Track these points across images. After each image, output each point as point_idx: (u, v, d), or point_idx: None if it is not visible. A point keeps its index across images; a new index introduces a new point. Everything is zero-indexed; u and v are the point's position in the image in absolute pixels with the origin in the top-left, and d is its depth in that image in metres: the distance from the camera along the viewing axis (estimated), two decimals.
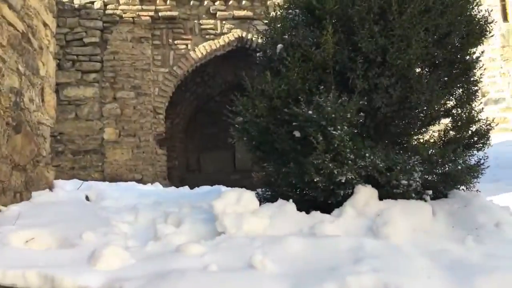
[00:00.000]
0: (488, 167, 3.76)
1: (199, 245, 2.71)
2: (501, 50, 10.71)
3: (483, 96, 10.56)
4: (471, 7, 3.64)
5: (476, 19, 3.65)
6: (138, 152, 8.22)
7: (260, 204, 3.36)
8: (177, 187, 6.70)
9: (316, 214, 3.08)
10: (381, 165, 3.17)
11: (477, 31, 3.70)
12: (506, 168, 8.08)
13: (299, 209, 3.24)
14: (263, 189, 3.96)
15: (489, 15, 3.80)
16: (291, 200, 3.26)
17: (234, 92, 3.77)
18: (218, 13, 8.58)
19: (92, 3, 8.35)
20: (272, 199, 3.57)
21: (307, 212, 3.19)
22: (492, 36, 3.84)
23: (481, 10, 3.86)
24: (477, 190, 3.61)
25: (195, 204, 3.75)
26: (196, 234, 3.04)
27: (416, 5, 3.26)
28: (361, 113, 3.35)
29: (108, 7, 8.38)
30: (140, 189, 5.70)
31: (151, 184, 6.98)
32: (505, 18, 10.87)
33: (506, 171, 8.03)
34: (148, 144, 8.28)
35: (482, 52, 3.85)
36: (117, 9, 8.38)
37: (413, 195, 3.28)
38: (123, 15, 8.36)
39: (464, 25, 3.56)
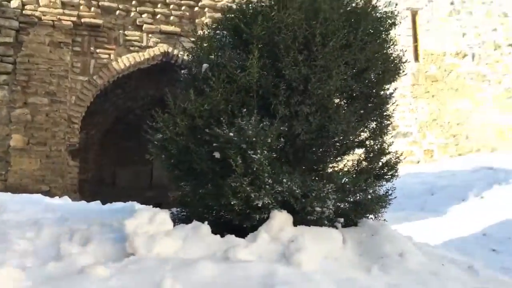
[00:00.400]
0: (395, 197, 3.96)
1: (106, 267, 2.56)
2: (411, 88, 11.53)
3: (394, 129, 11.26)
4: (387, 46, 3.86)
5: (392, 58, 3.88)
6: (48, 162, 7.71)
7: (174, 225, 3.27)
8: (89, 201, 6.35)
9: (231, 238, 3.05)
10: (297, 191, 3.22)
11: (392, 69, 3.93)
12: (410, 198, 8.63)
13: (214, 231, 3.19)
14: (178, 209, 3.86)
15: (403, 55, 4.06)
16: (206, 222, 3.20)
17: (155, 107, 3.67)
18: (145, 25, 8.40)
19: (9, 1, 7.83)
20: (187, 220, 3.49)
21: (222, 235, 3.15)
22: (405, 74, 4.10)
23: (397, 50, 4.12)
24: (384, 219, 3.78)
25: (106, 222, 3.57)
26: (103, 254, 2.88)
27: (338, 39, 3.40)
28: (281, 139, 3.39)
29: (26, 7, 7.89)
30: (47, 202, 5.33)
31: (60, 197, 6.56)
32: (416, 58, 11.76)
33: (411, 201, 8.57)
34: (60, 154, 7.81)
35: (395, 89, 4.09)
36: (36, 11, 7.91)
37: (326, 222, 3.37)
38: (43, 17, 7.91)
39: (381, 62, 3.77)
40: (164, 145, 3.63)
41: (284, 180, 3.18)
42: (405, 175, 9.33)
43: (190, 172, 3.61)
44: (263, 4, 3.77)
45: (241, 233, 3.23)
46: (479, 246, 5.56)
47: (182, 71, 4.08)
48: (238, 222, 3.29)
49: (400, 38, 11.52)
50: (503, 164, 9.43)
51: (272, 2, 3.66)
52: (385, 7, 3.87)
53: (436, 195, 8.73)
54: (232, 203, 3.15)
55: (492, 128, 11.70)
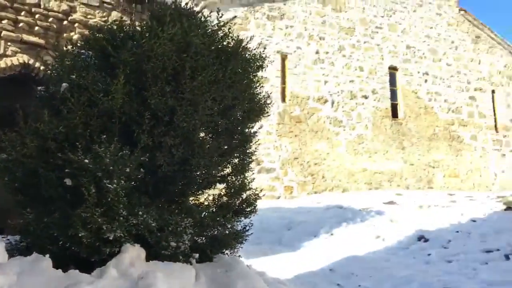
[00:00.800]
0: (252, 233, 4.06)
1: None
2: (277, 126, 12.14)
3: (259, 164, 11.69)
4: (254, 86, 4.02)
5: (257, 98, 4.04)
6: None
7: (12, 257, 2.92)
8: None
9: (74, 273, 2.81)
10: (153, 224, 3.12)
11: (257, 108, 4.09)
12: (269, 232, 8.93)
13: (58, 265, 2.92)
14: (18, 239, 3.48)
15: (269, 97, 4.26)
16: (48, 255, 2.92)
17: (2, 125, 3.31)
18: (4, 32, 7.66)
19: None
20: (28, 252, 3.15)
21: (66, 270, 2.89)
22: (269, 115, 4.29)
23: (263, 91, 4.30)
24: (239, 256, 3.83)
25: None
26: None
27: (207, 75, 3.44)
28: (142, 169, 3.28)
29: None
30: None
31: None
32: (283, 99, 12.47)
33: (269, 235, 8.86)
34: None
35: (260, 127, 4.24)
36: None
37: (181, 257, 3.30)
38: None
39: (247, 102, 3.90)
40: (8, 166, 3.27)
41: (140, 213, 3.06)
42: (266, 210, 9.69)
43: (37, 198, 3.30)
44: (135, 29, 3.69)
45: (89, 267, 3.01)
46: (326, 281, 5.90)
47: (39, 88, 3.76)
48: (86, 256, 3.06)
49: (270, 78, 12.17)
50: (352, 204, 10.29)
51: (145, 29, 3.60)
52: (254, 49, 4.03)
53: (292, 230, 9.16)
54: (80, 234, 2.93)
55: (344, 170, 12.79)
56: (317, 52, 13.04)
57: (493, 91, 15.47)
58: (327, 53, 13.18)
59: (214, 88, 3.52)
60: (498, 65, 15.75)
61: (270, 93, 4.49)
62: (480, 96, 15.21)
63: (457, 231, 7.61)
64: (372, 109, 13.49)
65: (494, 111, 15.36)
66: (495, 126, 15.28)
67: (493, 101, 15.42)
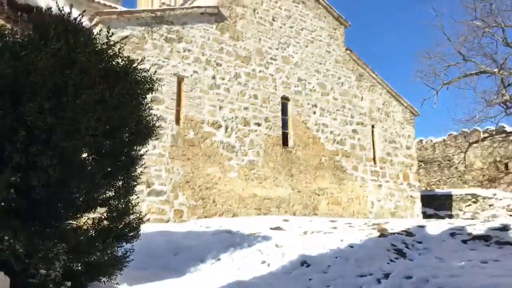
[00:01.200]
0: (133, 259, 3.93)
1: None
2: (170, 149, 11.99)
3: (149, 186, 11.41)
4: (143, 108, 3.96)
5: (146, 121, 3.98)
6: None
7: None
8: None
9: None
10: (20, 250, 2.89)
11: (145, 131, 4.02)
12: (155, 257, 8.67)
13: None
14: None
15: (158, 119, 4.21)
16: None
17: None
18: None
19: None
20: None
21: None
22: (157, 138, 4.24)
23: (154, 114, 4.24)
24: (117, 283, 3.68)
25: None
26: None
27: (92, 94, 3.32)
28: (12, 190, 3.04)
29: None
30: None
31: None
32: (177, 122, 12.38)
33: (155, 260, 8.61)
34: None
35: (146, 151, 4.17)
36: None
37: (51, 285, 3.09)
38: None
39: (134, 123, 3.82)
40: None
41: (6, 237, 2.82)
42: (154, 233, 9.43)
43: None
44: (15, 40, 3.45)
45: None
46: None
47: None
48: None
49: (165, 100, 12.05)
50: (241, 229, 10.42)
51: (26, 41, 3.39)
52: (146, 71, 3.99)
53: (180, 255, 8.99)
54: None
55: (235, 195, 12.97)
56: (213, 78, 13.23)
57: (373, 126, 16.85)
58: (223, 79, 13.43)
59: (100, 108, 3.40)
60: (377, 103, 17.24)
61: (159, 116, 4.43)
62: (362, 130, 16.48)
63: (336, 257, 8.05)
64: (264, 137, 13.93)
65: (373, 144, 16.71)
66: (374, 158, 16.60)
67: (372, 135, 16.78)
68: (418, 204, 17.33)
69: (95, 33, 3.77)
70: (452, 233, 9.18)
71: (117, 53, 3.67)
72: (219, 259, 8.51)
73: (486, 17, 18.87)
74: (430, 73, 20.60)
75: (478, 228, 9.37)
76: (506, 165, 21.09)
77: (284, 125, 14.60)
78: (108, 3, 17.09)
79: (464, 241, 8.61)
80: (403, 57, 53.78)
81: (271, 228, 10.68)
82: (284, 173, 14.12)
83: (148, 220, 4.33)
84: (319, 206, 14.67)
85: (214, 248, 9.00)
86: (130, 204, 4.01)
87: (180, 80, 12.59)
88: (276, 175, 13.91)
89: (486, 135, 21.71)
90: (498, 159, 21.36)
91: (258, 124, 13.89)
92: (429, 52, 20.98)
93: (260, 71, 14.30)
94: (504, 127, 20.99)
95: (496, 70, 19.03)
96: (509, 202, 18.96)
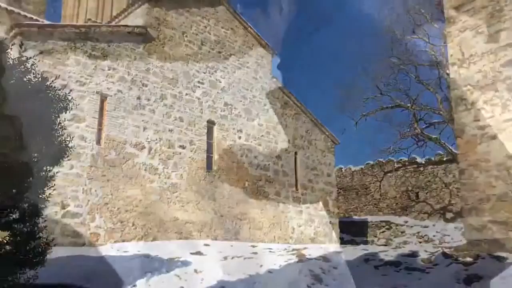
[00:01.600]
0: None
1: None
2: (88, 169, 11.52)
3: (63, 208, 10.84)
4: (55, 127, 3.80)
5: (58, 140, 3.82)
6: None
7: None
8: None
9: None
10: None
11: (57, 150, 3.85)
12: (66, 285, 8.21)
13: None
14: None
15: (71, 140, 4.06)
16: None
17: None
18: None
19: None
20: None
21: None
22: (70, 159, 4.08)
23: (68, 133, 4.09)
24: None
25: None
26: None
27: None
28: None
29: None
30: None
31: None
32: (98, 141, 11.95)
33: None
34: None
35: (57, 172, 3.99)
36: None
37: None
38: None
39: (45, 143, 3.65)
40: None
41: None
42: (67, 258, 8.94)
43: None
44: None
45: None
46: None
47: None
48: None
49: (86, 119, 11.62)
50: (160, 254, 10.17)
51: None
52: (60, 89, 3.85)
53: (93, 281, 8.57)
54: None
55: (156, 219, 12.65)
56: (138, 98, 13.00)
57: (295, 153, 17.31)
58: (148, 100, 13.23)
59: (4, 125, 3.22)
60: (301, 130, 17.78)
61: (79, 135, 4.28)
62: (285, 156, 16.86)
63: (255, 282, 8.09)
64: (188, 160, 13.82)
65: (295, 171, 17.13)
66: (296, 184, 17.01)
67: (295, 162, 17.21)
68: (337, 230, 17.91)
69: (9, 46, 3.59)
70: (366, 259, 9.60)
71: (29, 70, 3.51)
72: (134, 286, 8.22)
73: (401, 55, 20.33)
74: (349, 105, 21.78)
75: (389, 254, 9.87)
76: (417, 194, 22.49)
77: (209, 149, 14.59)
78: (29, 15, 16.34)
79: (376, 267, 9.02)
80: (326, 86, 56.24)
81: (191, 253, 10.53)
82: (207, 197, 14.04)
83: (59, 244, 4.11)
84: (241, 230, 14.70)
85: (130, 274, 8.68)
86: (36, 227, 3.79)
87: (103, 99, 12.23)
88: (199, 199, 13.80)
89: (400, 165, 23.10)
90: (410, 188, 22.74)
91: (183, 147, 13.78)
92: (349, 85, 22.25)
93: (186, 94, 14.27)
94: (416, 158, 22.46)
95: (409, 105, 20.44)
96: (419, 229, 20.17)
